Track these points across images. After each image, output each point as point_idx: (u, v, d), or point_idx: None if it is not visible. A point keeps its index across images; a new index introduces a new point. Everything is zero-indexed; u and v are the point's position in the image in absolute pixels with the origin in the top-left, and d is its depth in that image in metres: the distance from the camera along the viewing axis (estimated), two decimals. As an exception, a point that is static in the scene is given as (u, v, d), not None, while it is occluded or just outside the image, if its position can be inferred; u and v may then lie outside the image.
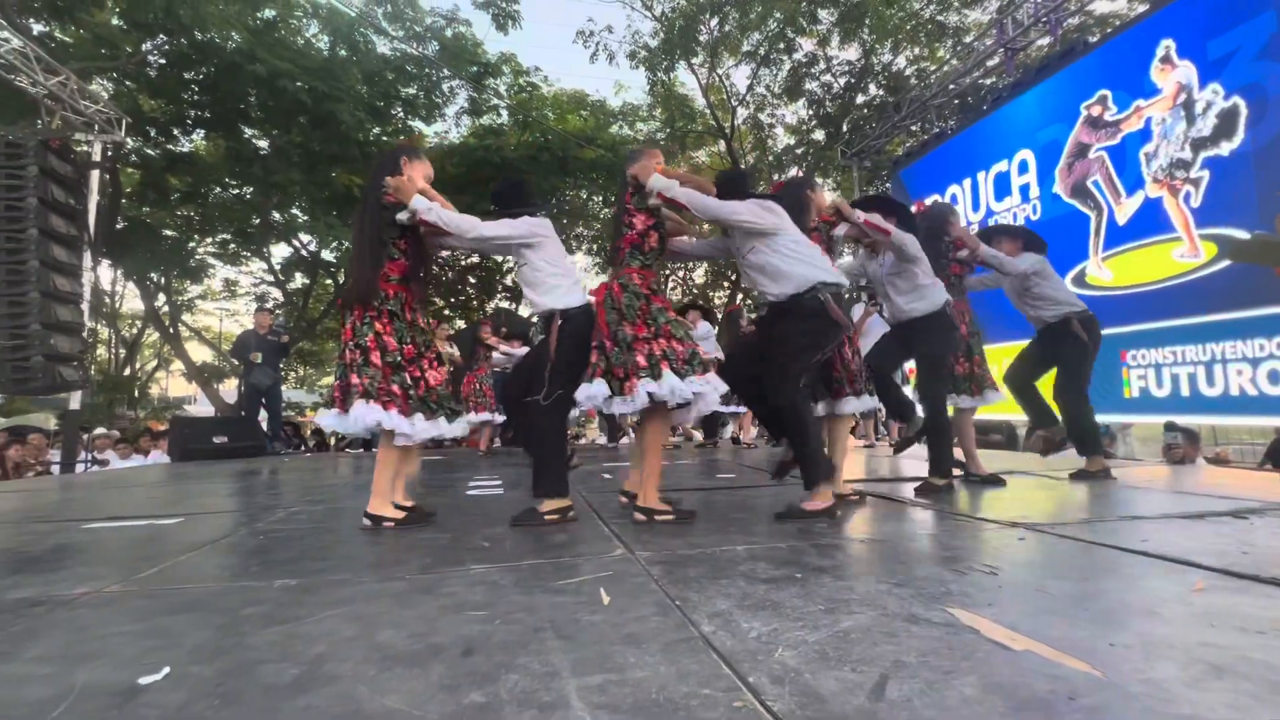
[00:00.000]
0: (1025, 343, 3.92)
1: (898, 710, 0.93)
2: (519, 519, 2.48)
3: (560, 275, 2.62)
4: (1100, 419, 3.88)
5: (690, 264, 17.49)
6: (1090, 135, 6.70)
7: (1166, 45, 5.89)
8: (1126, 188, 6.29)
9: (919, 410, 3.34)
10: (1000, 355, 3.77)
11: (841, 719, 0.91)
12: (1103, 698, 0.96)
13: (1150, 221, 6.03)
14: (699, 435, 7.80)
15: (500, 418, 6.03)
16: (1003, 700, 0.95)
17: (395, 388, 2.42)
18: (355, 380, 2.40)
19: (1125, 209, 6.30)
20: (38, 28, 9.62)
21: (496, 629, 1.30)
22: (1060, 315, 3.63)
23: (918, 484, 3.21)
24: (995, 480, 3.39)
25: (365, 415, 2.35)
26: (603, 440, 8.27)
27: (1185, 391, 5.56)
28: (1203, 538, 2.03)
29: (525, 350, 5.63)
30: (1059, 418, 3.73)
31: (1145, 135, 6.08)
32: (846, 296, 3.00)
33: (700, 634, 1.25)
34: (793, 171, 14.58)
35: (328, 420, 2.47)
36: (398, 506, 2.55)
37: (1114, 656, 1.10)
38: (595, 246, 16.40)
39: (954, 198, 8.69)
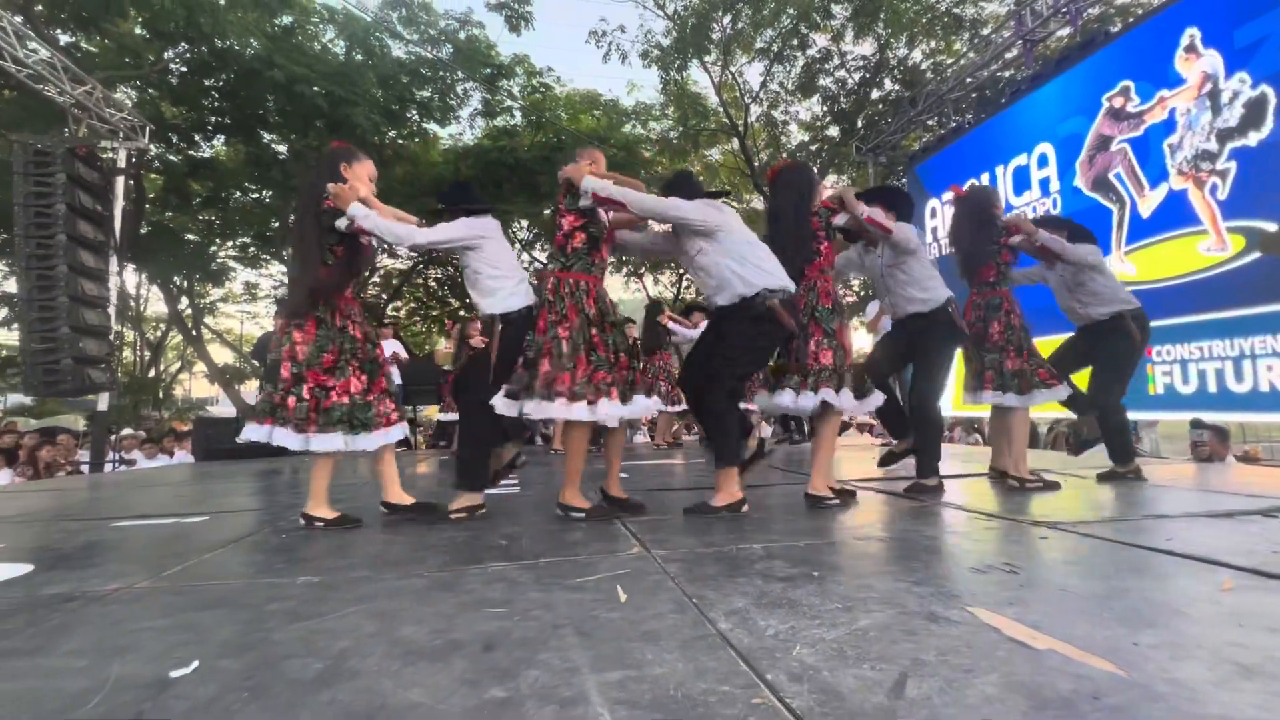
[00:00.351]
0: (1064, 337, 3.70)
1: (917, 708, 0.92)
2: (424, 513, 2.62)
3: (501, 278, 2.60)
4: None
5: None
6: (1112, 127, 6.57)
7: (1191, 34, 5.76)
8: (1150, 180, 6.16)
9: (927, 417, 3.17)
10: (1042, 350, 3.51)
11: (861, 716, 0.91)
12: (1127, 697, 0.94)
13: (1175, 214, 5.90)
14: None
15: None
16: (1024, 699, 0.94)
17: (290, 400, 2.43)
18: (258, 395, 2.49)
19: (1149, 202, 6.18)
20: (64, 38, 9.86)
21: (515, 625, 1.32)
22: (1112, 313, 3.38)
23: (906, 485, 3.09)
24: (1050, 485, 3.13)
25: (250, 433, 2.44)
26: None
27: (1213, 388, 5.44)
28: (1231, 537, 1.99)
29: None
30: (1090, 406, 3.48)
31: (1169, 126, 5.95)
32: (863, 294, 2.93)
33: (717, 631, 1.25)
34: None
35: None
36: (393, 506, 2.64)
37: (1139, 656, 1.08)
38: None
39: (972, 193, 8.57)
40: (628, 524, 2.42)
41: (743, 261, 2.50)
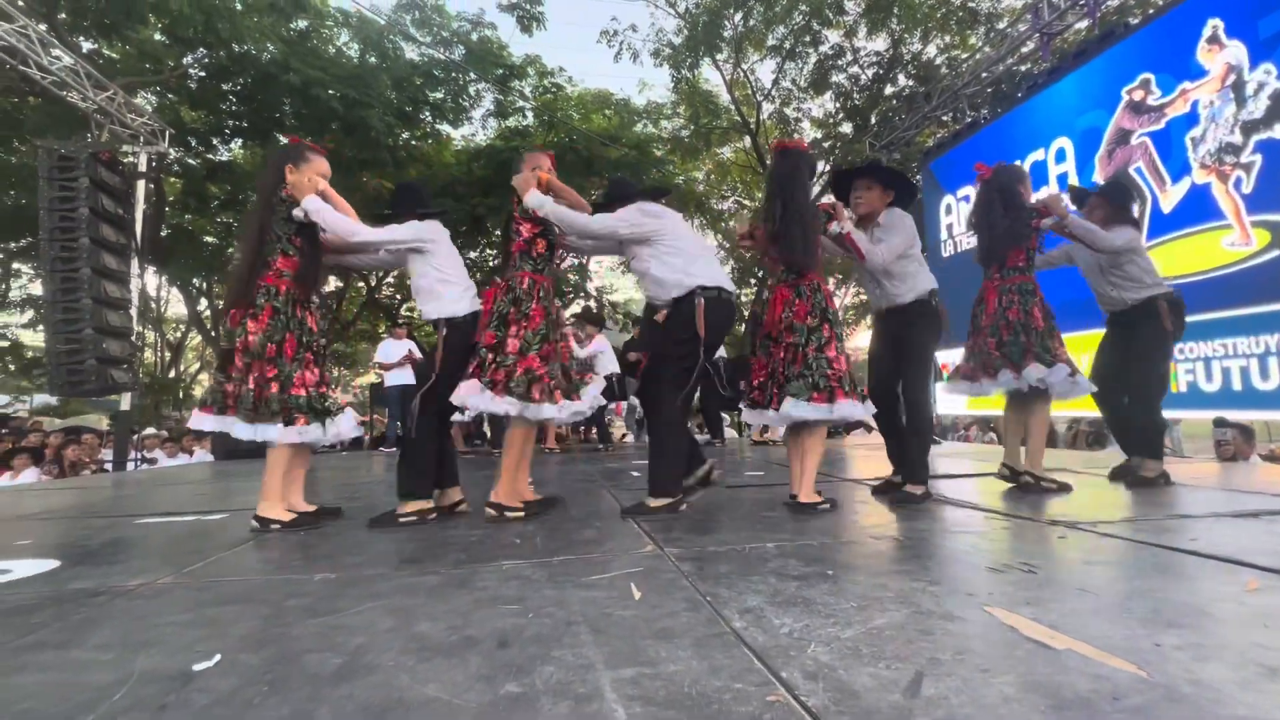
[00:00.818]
0: (1090, 333, 3.57)
1: (934, 707, 0.92)
2: (376, 521, 2.54)
3: (450, 283, 2.60)
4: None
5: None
6: (1132, 121, 6.46)
7: (1214, 25, 5.64)
8: (1172, 174, 6.05)
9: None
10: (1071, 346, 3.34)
11: (876, 714, 0.90)
12: (1148, 698, 0.93)
13: (1198, 209, 5.79)
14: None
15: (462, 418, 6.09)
16: (1042, 699, 0.93)
17: (239, 390, 2.43)
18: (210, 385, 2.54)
19: (1170, 196, 6.06)
20: (87, 45, 10.05)
21: (530, 622, 1.33)
22: (1144, 298, 3.27)
23: (893, 496, 2.88)
24: (1063, 487, 3.01)
25: (196, 423, 2.47)
26: (630, 439, 8.30)
27: (1237, 385, 5.33)
28: (1256, 536, 1.95)
29: None
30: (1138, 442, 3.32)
31: (1192, 119, 5.83)
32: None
33: (732, 629, 1.25)
34: (820, 166, 14.36)
35: None
36: (296, 512, 2.55)
37: (1160, 657, 1.07)
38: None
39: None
40: (641, 523, 2.42)
41: (675, 266, 2.55)
